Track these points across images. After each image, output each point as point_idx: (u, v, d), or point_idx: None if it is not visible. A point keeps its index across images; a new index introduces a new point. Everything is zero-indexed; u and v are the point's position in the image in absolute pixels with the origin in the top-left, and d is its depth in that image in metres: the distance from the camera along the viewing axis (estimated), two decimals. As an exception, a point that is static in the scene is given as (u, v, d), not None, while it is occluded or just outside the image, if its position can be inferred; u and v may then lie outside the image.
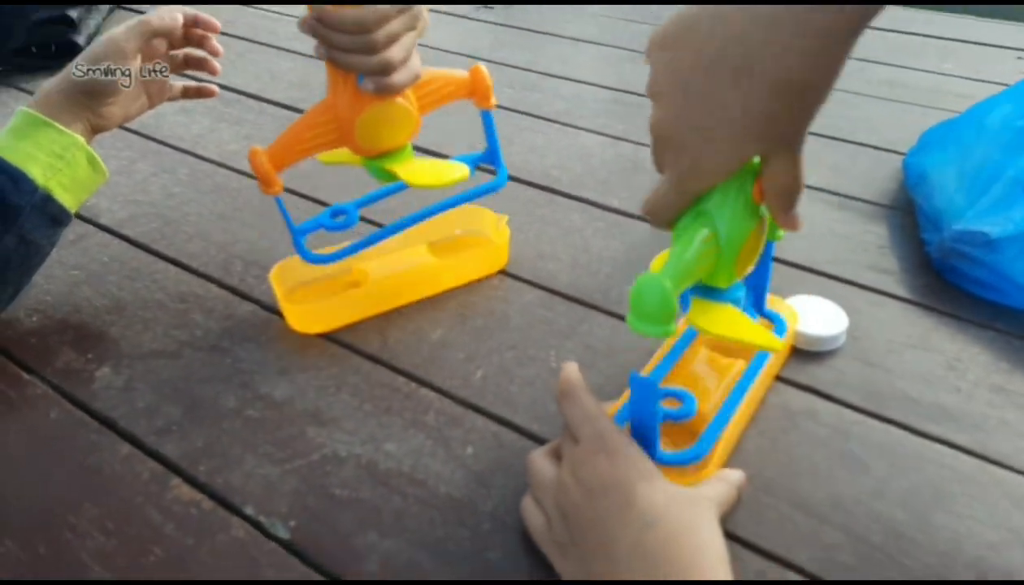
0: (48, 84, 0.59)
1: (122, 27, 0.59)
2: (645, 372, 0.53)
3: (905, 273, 0.67)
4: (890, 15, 1.31)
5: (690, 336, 0.55)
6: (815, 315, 0.59)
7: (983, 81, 1.04)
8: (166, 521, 0.46)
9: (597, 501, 0.40)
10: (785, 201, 0.41)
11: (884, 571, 0.43)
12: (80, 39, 1.06)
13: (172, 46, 0.65)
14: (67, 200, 0.58)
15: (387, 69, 0.53)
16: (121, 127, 0.64)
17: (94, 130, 0.60)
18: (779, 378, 0.56)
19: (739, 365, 0.53)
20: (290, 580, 0.43)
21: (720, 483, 0.44)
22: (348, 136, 0.57)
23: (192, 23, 0.64)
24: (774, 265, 0.55)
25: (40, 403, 0.55)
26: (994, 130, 0.70)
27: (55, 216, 0.58)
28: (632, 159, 0.86)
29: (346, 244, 0.63)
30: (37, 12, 1.04)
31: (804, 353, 0.58)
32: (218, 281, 0.66)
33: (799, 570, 0.44)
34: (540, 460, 0.45)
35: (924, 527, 0.46)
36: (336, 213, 0.64)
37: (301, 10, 0.53)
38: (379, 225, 0.72)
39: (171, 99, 0.66)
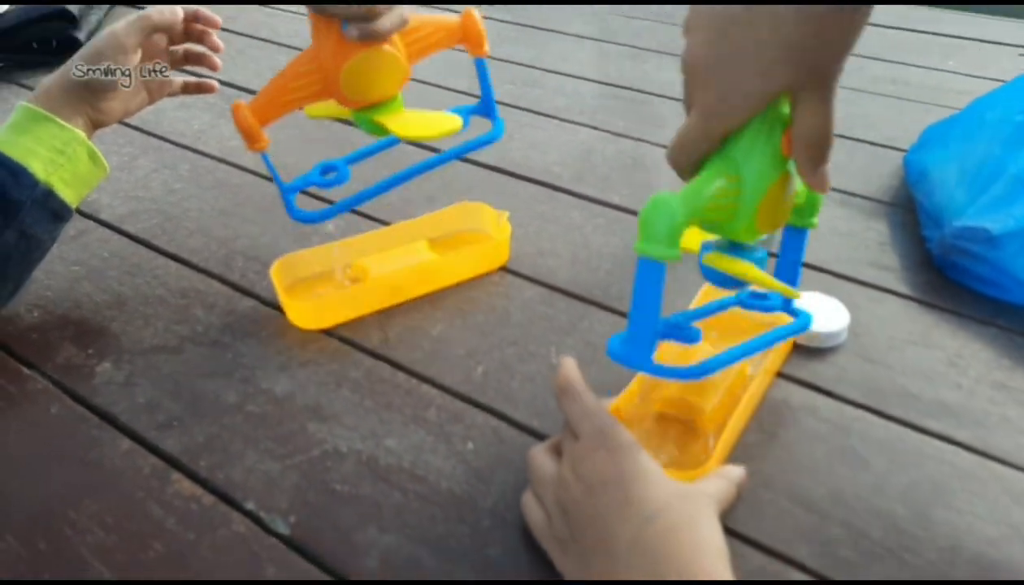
0: (48, 79, 0.59)
1: (122, 22, 0.59)
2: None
3: (906, 270, 0.67)
4: (893, 12, 1.31)
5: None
6: (816, 312, 0.59)
7: (984, 78, 1.04)
8: (167, 516, 0.46)
9: (597, 497, 0.40)
10: (814, 152, 0.40)
11: (884, 567, 0.43)
12: (81, 35, 1.06)
13: (172, 42, 0.65)
14: (68, 195, 0.58)
15: (371, 14, 0.51)
16: (122, 123, 0.64)
17: (94, 125, 0.60)
18: (780, 374, 0.56)
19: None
20: (290, 576, 0.43)
21: (720, 479, 0.44)
22: (334, 87, 0.55)
23: (192, 18, 0.64)
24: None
25: (41, 398, 0.55)
26: (995, 126, 0.70)
27: (56, 211, 0.58)
28: (632, 155, 0.86)
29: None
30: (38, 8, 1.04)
31: (805, 349, 0.58)
32: (219, 277, 0.66)
33: (799, 566, 0.44)
34: (540, 456, 0.45)
35: (924, 523, 0.46)
36: (326, 170, 0.62)
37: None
38: (376, 220, 0.72)
39: (171, 95, 0.66)
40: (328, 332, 0.61)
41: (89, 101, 0.59)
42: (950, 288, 0.64)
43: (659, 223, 0.39)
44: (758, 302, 0.53)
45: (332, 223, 0.72)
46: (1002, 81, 0.87)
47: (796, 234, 0.50)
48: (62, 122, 0.57)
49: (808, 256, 0.67)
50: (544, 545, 0.43)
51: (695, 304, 0.59)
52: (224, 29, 0.66)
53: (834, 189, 0.78)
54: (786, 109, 0.40)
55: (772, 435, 0.51)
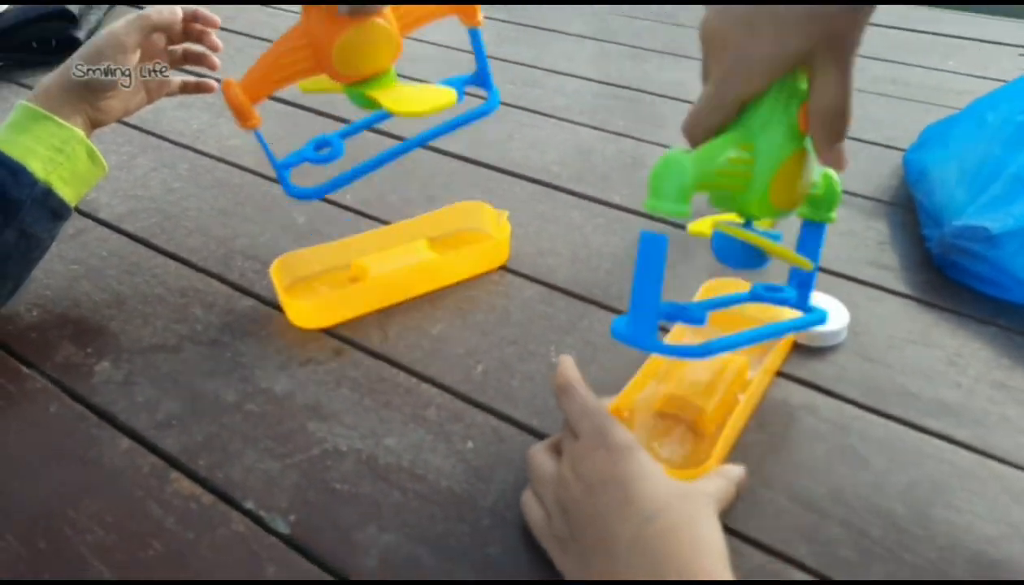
0: (47, 78, 0.59)
1: (122, 21, 0.59)
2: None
3: (906, 269, 0.67)
4: (893, 12, 1.31)
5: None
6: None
7: (984, 78, 1.04)
8: (166, 515, 0.46)
9: (597, 496, 0.40)
10: (831, 126, 0.40)
11: (884, 566, 0.43)
12: (80, 34, 1.06)
13: (171, 41, 0.65)
14: (67, 194, 0.58)
15: None
16: (120, 122, 0.64)
17: (93, 124, 0.60)
18: (780, 373, 0.56)
19: (742, 360, 0.54)
20: (290, 575, 0.43)
21: (719, 478, 0.44)
22: (326, 62, 0.54)
23: (191, 18, 0.64)
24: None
25: (40, 397, 0.55)
26: (995, 126, 0.70)
27: (55, 210, 0.57)
28: (632, 155, 0.86)
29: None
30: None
31: (805, 348, 0.58)
32: (218, 276, 0.66)
33: (799, 565, 0.44)
34: (540, 455, 0.45)
35: (924, 522, 0.46)
36: (320, 145, 0.61)
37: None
38: (376, 220, 0.72)
39: (170, 94, 0.66)
40: (328, 331, 0.61)
41: (88, 100, 0.59)
42: (950, 287, 0.64)
43: (669, 180, 0.39)
44: (772, 295, 0.52)
45: (332, 224, 0.72)
46: (1002, 81, 0.87)
47: (814, 229, 0.50)
48: (61, 121, 0.57)
49: (808, 255, 0.68)
50: (544, 544, 0.43)
51: (696, 299, 0.59)
52: (223, 29, 0.66)
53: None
54: (804, 84, 0.40)
55: (772, 434, 0.51)
